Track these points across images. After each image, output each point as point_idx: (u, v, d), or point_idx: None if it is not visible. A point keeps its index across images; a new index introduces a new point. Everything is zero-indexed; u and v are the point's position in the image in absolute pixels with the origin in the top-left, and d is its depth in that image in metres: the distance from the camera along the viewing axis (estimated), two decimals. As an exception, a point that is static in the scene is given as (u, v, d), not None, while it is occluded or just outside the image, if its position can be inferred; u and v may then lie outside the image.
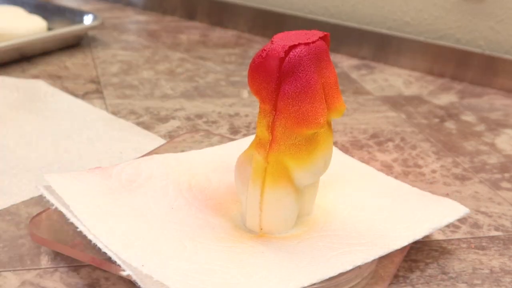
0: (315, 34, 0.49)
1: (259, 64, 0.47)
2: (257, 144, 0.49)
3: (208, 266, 0.46)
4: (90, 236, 0.47)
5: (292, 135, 0.48)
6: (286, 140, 0.48)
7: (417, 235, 0.52)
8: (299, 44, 0.47)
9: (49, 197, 0.51)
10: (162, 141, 0.74)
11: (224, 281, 0.44)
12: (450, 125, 0.88)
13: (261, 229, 0.51)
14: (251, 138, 0.61)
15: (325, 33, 0.49)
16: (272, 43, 0.47)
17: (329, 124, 0.51)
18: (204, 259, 0.46)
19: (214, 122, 0.82)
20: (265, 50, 0.47)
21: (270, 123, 0.48)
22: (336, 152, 0.62)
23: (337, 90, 0.50)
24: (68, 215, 0.49)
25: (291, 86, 0.47)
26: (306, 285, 0.44)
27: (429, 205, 0.56)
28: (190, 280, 0.43)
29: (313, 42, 0.47)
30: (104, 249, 0.46)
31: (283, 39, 0.48)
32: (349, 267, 0.46)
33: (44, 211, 0.53)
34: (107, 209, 0.51)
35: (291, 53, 0.47)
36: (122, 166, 0.58)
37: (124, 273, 0.45)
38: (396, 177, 0.71)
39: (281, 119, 0.48)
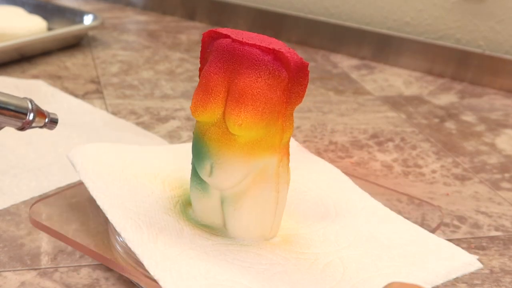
0: (282, 50, 0.45)
1: (202, 39, 0.49)
2: None
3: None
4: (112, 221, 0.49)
5: None
6: None
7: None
8: (227, 36, 0.46)
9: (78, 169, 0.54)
10: (162, 141, 0.74)
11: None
12: (450, 125, 0.88)
13: None
14: None
15: (293, 57, 0.45)
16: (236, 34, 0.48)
17: (239, 143, 0.46)
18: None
19: (214, 122, 0.82)
20: (214, 31, 0.48)
21: None
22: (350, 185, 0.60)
23: (241, 103, 0.45)
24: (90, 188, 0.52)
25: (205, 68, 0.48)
26: None
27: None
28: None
29: (242, 43, 0.46)
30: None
31: (249, 37, 0.47)
32: None
33: (43, 198, 0.54)
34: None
35: (215, 41, 0.47)
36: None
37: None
38: (396, 177, 0.71)
39: None
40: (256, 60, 0.45)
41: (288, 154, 0.49)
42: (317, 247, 0.50)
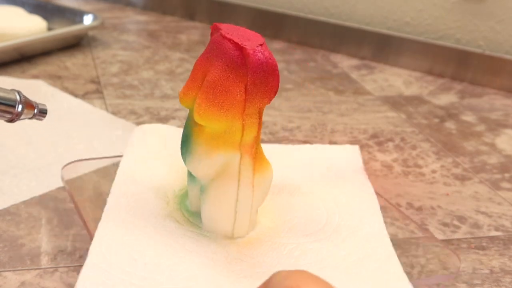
0: (246, 47, 0.46)
1: (210, 32, 0.50)
2: None
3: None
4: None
5: None
6: None
7: None
8: (220, 29, 0.48)
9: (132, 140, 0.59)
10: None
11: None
12: (450, 125, 0.88)
13: None
14: None
15: (255, 55, 0.45)
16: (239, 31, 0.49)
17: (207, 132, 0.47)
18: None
19: (214, 122, 0.82)
20: (215, 25, 0.49)
21: None
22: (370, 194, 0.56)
23: (205, 93, 0.46)
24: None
25: None
26: None
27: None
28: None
29: (224, 37, 0.47)
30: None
31: (237, 32, 0.48)
32: None
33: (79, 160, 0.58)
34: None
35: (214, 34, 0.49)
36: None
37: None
38: (396, 177, 0.71)
39: None
40: (225, 54, 0.46)
41: (252, 154, 0.48)
42: (272, 259, 0.48)
